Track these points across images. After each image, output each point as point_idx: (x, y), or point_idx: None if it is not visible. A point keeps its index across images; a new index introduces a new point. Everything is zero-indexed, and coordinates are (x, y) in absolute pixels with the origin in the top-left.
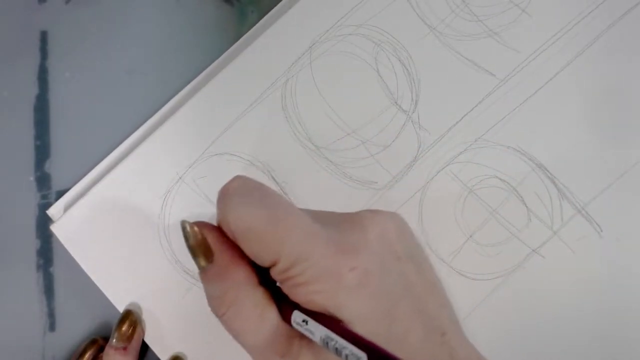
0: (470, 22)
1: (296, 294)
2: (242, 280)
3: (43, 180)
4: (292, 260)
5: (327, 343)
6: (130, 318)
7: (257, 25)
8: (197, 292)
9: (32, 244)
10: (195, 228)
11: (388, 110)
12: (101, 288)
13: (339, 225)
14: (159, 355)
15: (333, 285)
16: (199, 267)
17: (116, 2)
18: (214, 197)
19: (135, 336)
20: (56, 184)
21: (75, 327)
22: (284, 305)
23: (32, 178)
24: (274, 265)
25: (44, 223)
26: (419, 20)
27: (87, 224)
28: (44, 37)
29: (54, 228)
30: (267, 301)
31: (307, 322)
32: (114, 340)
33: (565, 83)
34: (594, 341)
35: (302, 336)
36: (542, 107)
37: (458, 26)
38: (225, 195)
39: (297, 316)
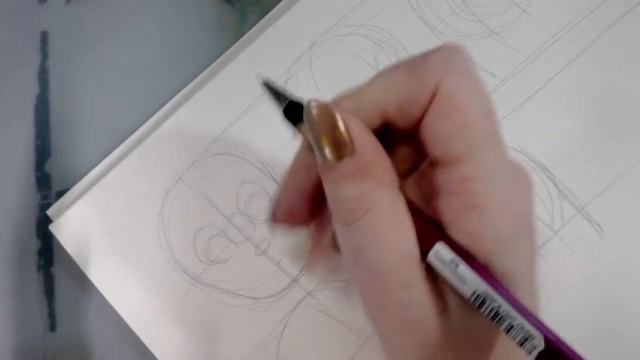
0: (471, 22)
1: (463, 219)
2: (386, 182)
3: (43, 181)
4: (485, 171)
5: (482, 302)
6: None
7: (258, 25)
8: (197, 292)
9: (33, 244)
10: (339, 113)
11: None
12: (99, 288)
13: None
14: (158, 356)
15: (522, 236)
16: (330, 160)
17: (117, 2)
18: (214, 197)
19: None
20: (56, 184)
21: (76, 327)
22: (425, 229)
23: (32, 178)
24: (454, 162)
25: (44, 223)
26: (419, 20)
27: (86, 224)
28: (44, 38)
29: (53, 228)
30: (408, 214)
31: (457, 265)
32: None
33: (566, 83)
34: (594, 341)
35: (429, 271)
36: (543, 107)
37: (458, 26)
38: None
39: (443, 252)
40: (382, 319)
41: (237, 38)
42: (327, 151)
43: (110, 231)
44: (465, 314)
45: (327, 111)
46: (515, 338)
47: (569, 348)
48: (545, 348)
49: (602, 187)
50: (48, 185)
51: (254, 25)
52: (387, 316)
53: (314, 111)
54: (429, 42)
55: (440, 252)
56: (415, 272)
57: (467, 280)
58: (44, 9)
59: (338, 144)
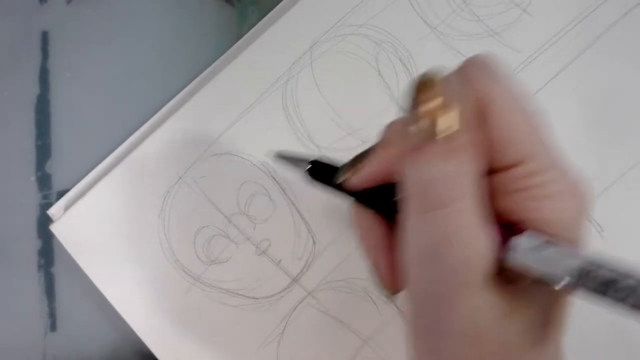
0: (471, 22)
1: (537, 209)
2: (475, 170)
3: (44, 181)
4: (550, 162)
5: (587, 274)
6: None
7: (258, 25)
8: (197, 292)
9: (33, 244)
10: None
11: (389, 109)
12: (100, 288)
13: None
14: (158, 356)
15: (582, 210)
16: (426, 134)
17: (117, 2)
18: (214, 197)
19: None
20: (57, 184)
21: (76, 327)
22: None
23: (33, 178)
24: (519, 163)
25: (45, 223)
26: (419, 20)
27: (86, 223)
28: (45, 38)
29: (53, 228)
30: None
31: (552, 246)
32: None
33: (566, 83)
34: (594, 342)
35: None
36: (543, 107)
37: (459, 26)
38: (485, 62)
39: (528, 239)
40: (444, 326)
41: (237, 38)
42: (425, 124)
43: (111, 231)
44: (536, 322)
45: (432, 81)
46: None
47: None
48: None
49: (602, 187)
50: (48, 185)
51: (254, 25)
52: (452, 322)
53: (420, 80)
54: (429, 42)
55: (526, 241)
56: (490, 274)
57: (561, 259)
58: (44, 9)
59: (436, 119)
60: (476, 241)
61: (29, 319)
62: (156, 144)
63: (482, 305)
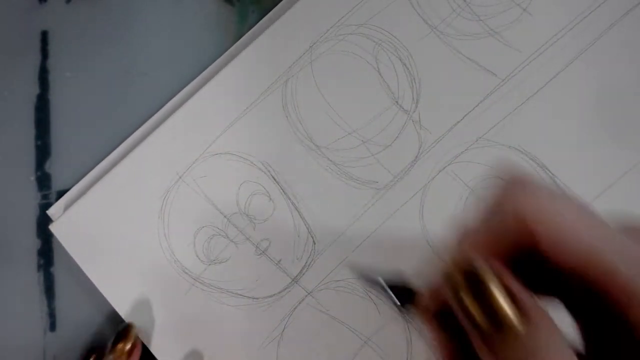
0: (472, 21)
1: None
2: (555, 330)
3: (44, 180)
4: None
5: None
6: (130, 334)
7: (258, 25)
8: (197, 292)
9: (33, 244)
10: (495, 279)
11: (389, 109)
12: (99, 288)
13: None
14: (158, 356)
15: None
16: (491, 328)
17: (117, 2)
18: (214, 197)
19: (135, 352)
20: (57, 184)
21: (76, 327)
22: None
23: (32, 178)
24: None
25: (44, 223)
26: (420, 20)
27: (86, 223)
28: (44, 37)
29: (53, 228)
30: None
31: None
32: (111, 356)
33: (567, 83)
34: None
35: None
36: (543, 106)
37: (459, 25)
38: (525, 180)
39: None
40: None
41: (237, 38)
42: (483, 321)
43: (110, 231)
44: None
45: (479, 279)
46: None
47: None
48: None
49: (603, 187)
50: (48, 185)
51: (254, 25)
52: None
53: (459, 279)
54: (429, 42)
55: None
56: None
57: None
58: (44, 9)
59: (496, 311)
60: None
61: (29, 318)
62: (156, 143)
63: None
